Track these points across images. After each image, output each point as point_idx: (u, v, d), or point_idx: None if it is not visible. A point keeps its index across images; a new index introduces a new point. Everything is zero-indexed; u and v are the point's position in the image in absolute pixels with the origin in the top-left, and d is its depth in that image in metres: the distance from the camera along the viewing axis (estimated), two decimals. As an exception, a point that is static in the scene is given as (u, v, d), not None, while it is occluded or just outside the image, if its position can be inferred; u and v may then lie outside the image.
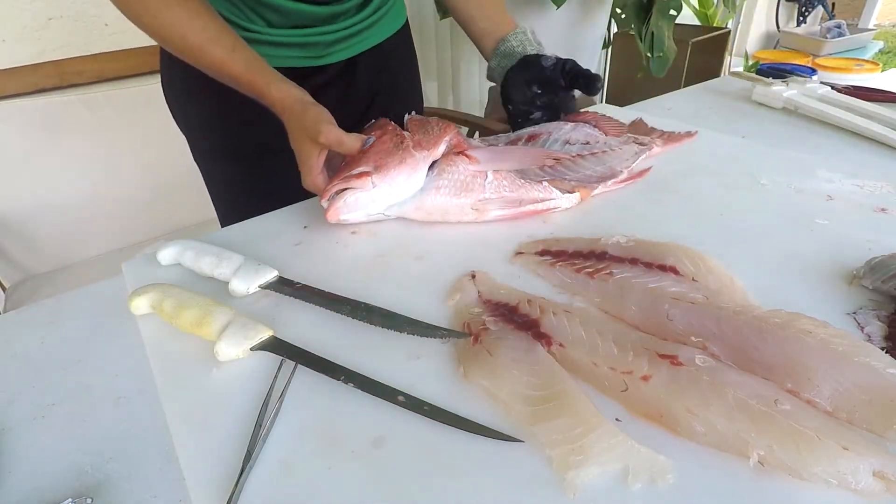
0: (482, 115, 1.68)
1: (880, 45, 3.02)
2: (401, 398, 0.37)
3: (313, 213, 0.62)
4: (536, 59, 0.72)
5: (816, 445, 0.30)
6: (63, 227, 1.43)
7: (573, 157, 0.65)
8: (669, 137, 0.74)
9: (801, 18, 3.18)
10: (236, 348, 0.41)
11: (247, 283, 0.48)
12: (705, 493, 0.30)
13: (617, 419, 0.35)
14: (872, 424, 0.33)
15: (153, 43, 0.62)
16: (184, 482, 0.34)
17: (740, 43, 3.21)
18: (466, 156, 0.59)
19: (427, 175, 0.58)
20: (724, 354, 0.38)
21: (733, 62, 2.97)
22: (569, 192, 0.59)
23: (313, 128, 0.55)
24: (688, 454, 0.32)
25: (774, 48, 3.10)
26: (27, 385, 0.42)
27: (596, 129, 0.73)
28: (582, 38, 1.71)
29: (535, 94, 0.73)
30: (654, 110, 0.75)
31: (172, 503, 0.34)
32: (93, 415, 0.40)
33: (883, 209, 0.57)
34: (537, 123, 0.74)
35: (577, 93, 0.75)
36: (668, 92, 1.06)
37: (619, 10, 1.67)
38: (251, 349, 0.42)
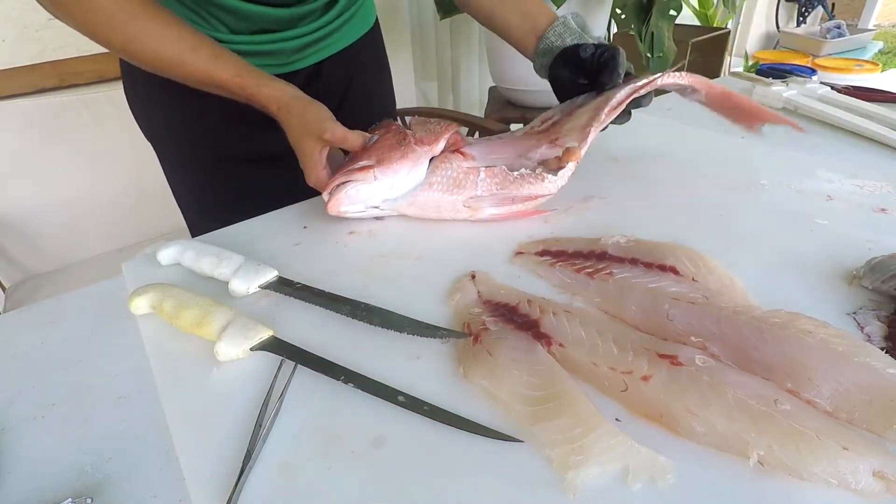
0: (482, 115, 1.68)
1: (880, 45, 3.02)
2: (401, 398, 0.37)
3: (313, 213, 0.62)
4: (575, 50, 0.64)
5: (816, 445, 0.30)
6: (63, 227, 1.43)
7: (557, 120, 0.64)
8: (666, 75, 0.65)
9: (801, 19, 3.18)
10: (236, 348, 0.41)
11: (247, 283, 0.48)
12: (705, 493, 0.30)
13: (617, 419, 0.35)
14: (872, 424, 0.33)
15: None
16: (184, 482, 0.34)
17: (740, 43, 3.22)
18: (461, 153, 0.59)
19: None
20: (724, 354, 0.38)
21: (733, 62, 2.97)
22: (560, 168, 0.58)
23: (317, 125, 0.55)
24: (688, 454, 0.32)
25: (774, 48, 3.10)
26: (27, 385, 0.42)
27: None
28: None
29: (581, 86, 0.65)
30: (653, 110, 0.75)
31: (172, 503, 0.34)
32: (93, 415, 0.40)
33: (883, 209, 0.57)
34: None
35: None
36: (667, 92, 1.06)
37: (618, 11, 1.67)
38: (251, 349, 0.42)
